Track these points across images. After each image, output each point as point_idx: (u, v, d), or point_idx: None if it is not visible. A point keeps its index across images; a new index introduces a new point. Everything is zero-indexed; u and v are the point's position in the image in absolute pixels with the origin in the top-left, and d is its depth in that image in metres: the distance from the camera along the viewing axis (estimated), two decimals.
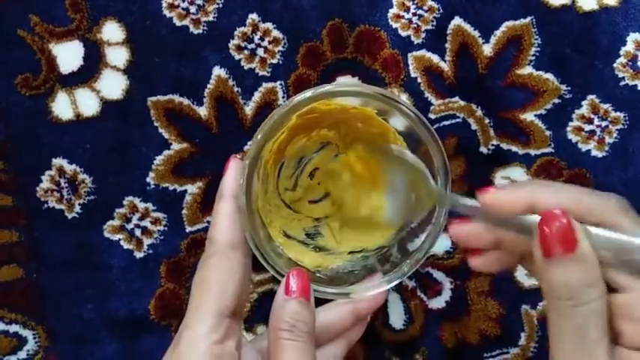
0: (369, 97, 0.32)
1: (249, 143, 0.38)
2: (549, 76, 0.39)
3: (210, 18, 0.38)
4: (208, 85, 0.38)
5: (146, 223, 0.39)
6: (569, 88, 0.39)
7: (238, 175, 0.30)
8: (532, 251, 0.25)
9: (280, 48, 0.39)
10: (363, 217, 0.36)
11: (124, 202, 0.38)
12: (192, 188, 0.39)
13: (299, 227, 0.37)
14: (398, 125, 0.34)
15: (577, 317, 0.25)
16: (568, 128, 0.39)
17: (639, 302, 0.27)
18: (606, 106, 0.39)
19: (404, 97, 0.39)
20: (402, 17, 0.39)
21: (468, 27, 0.39)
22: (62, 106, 0.38)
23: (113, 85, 0.38)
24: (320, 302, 0.39)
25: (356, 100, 0.34)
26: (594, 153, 0.39)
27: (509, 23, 0.39)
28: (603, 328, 0.25)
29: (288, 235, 0.37)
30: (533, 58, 0.39)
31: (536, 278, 0.26)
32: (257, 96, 0.39)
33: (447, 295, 0.40)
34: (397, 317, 0.39)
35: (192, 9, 0.38)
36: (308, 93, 0.31)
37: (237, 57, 0.39)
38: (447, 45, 0.39)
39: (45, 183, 0.38)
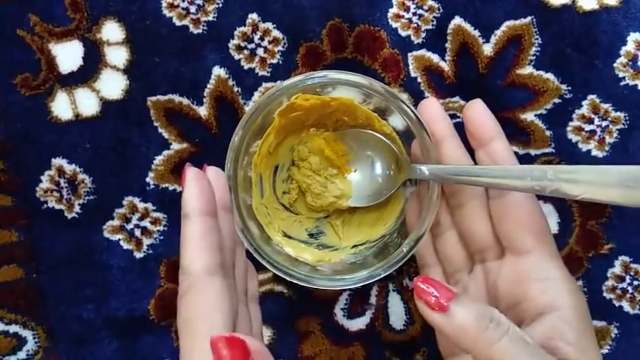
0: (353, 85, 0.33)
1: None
2: (550, 75, 0.39)
3: (210, 18, 0.38)
4: (208, 85, 0.38)
5: (146, 223, 0.39)
6: (569, 88, 0.39)
7: (200, 187, 0.27)
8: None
9: (280, 48, 0.39)
10: (330, 203, 0.36)
11: (124, 202, 0.38)
12: None
13: (300, 228, 0.37)
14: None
15: (511, 330, 0.26)
16: (568, 128, 0.39)
17: (539, 263, 0.30)
18: (607, 105, 0.39)
19: (404, 97, 0.39)
20: (402, 17, 0.39)
21: (468, 27, 0.39)
22: (62, 106, 0.38)
23: (113, 84, 0.38)
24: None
25: (336, 91, 0.34)
26: (595, 153, 0.39)
27: (510, 23, 0.39)
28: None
29: (289, 236, 0.37)
30: (534, 57, 0.39)
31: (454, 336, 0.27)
32: (257, 96, 0.39)
33: None
34: (397, 318, 0.39)
35: (192, 9, 0.38)
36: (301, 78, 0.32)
37: (237, 57, 0.38)
38: (447, 45, 0.39)
39: (44, 183, 0.38)
